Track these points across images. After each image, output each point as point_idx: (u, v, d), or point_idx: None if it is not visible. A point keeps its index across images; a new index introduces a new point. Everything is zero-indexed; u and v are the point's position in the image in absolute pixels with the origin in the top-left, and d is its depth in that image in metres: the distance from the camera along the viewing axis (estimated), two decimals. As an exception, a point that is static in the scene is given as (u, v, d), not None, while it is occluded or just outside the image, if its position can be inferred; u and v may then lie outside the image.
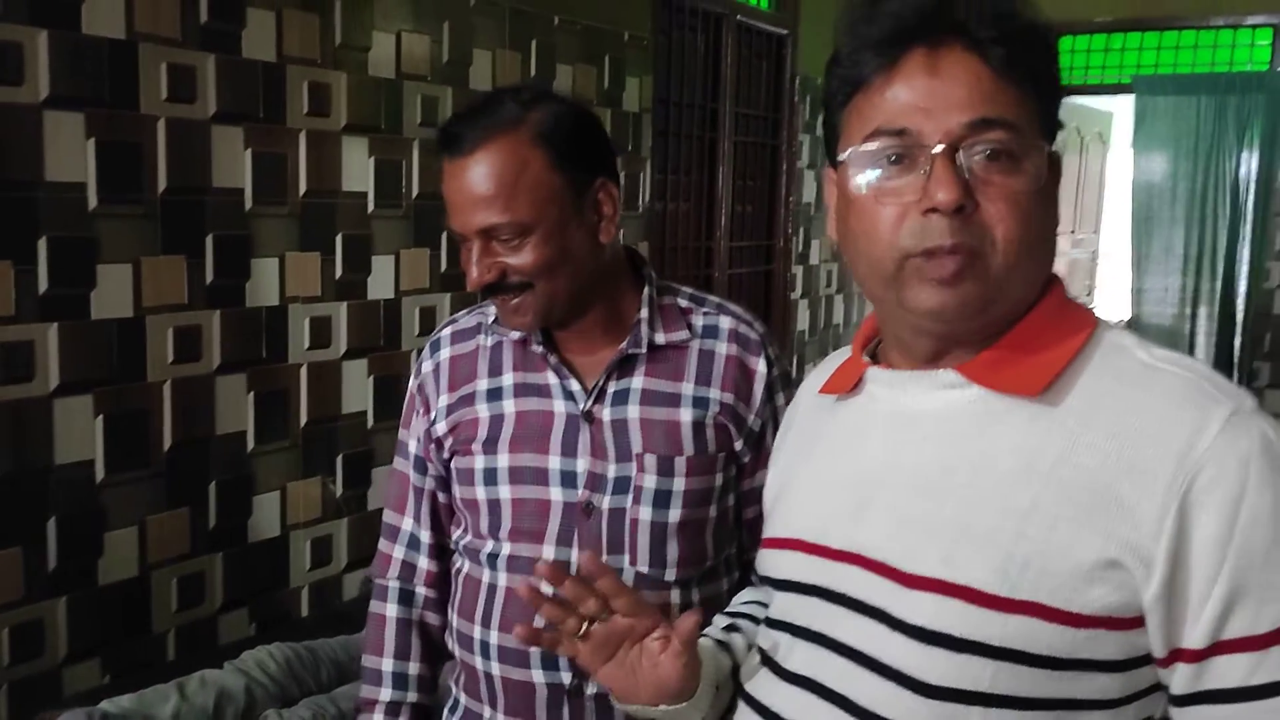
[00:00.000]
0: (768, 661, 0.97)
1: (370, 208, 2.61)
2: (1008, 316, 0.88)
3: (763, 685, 0.97)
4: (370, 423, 2.66)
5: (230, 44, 2.27)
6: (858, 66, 0.87)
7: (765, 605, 1.09)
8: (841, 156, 0.89)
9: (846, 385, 0.98)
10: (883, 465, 0.91)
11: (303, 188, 2.44)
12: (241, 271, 2.33)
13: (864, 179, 0.86)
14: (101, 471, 2.11)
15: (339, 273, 2.54)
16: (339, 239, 2.54)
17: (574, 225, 1.24)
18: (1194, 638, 0.80)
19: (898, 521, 0.88)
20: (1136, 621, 0.81)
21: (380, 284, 2.65)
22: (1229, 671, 0.80)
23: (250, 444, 2.39)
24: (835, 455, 0.97)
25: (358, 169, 2.57)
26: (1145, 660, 0.83)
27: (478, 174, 1.20)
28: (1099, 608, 0.80)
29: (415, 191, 2.72)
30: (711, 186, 4.09)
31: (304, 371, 2.49)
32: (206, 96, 2.23)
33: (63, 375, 2.02)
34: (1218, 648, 0.80)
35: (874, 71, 0.85)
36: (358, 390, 2.62)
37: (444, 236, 2.80)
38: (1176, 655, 0.82)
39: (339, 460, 2.60)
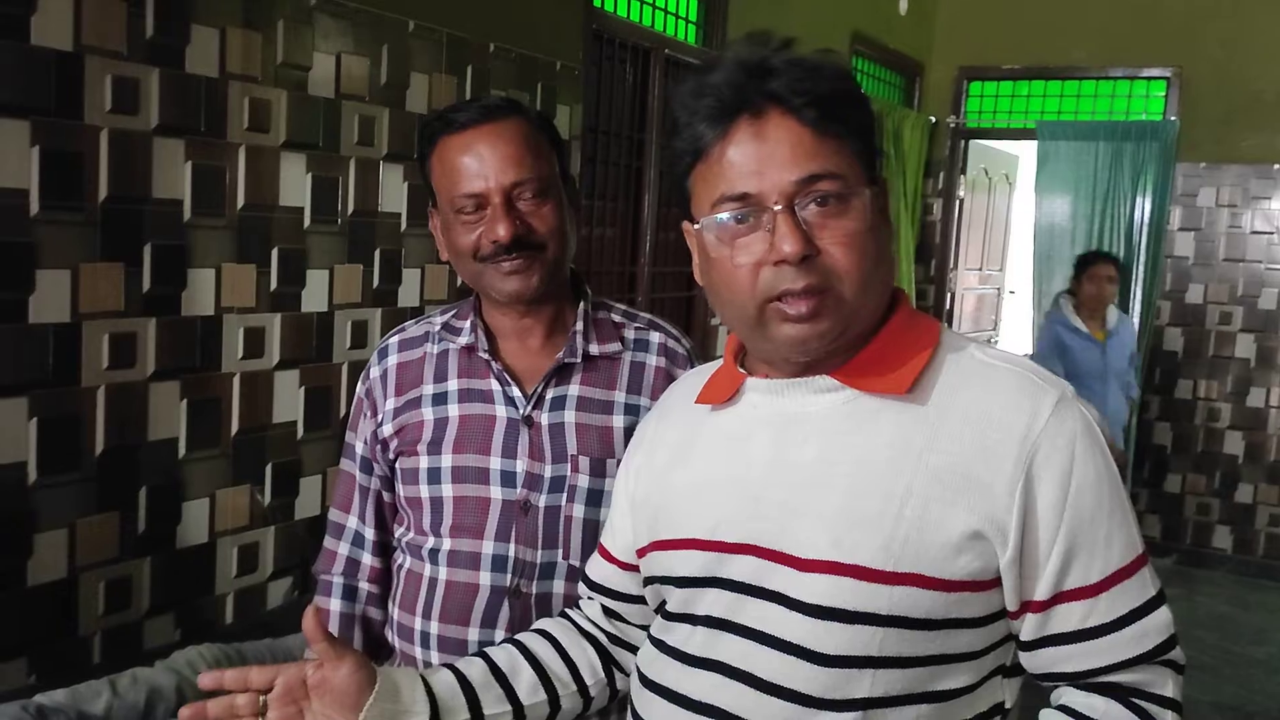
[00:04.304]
0: (671, 650, 1.06)
1: (306, 223, 2.67)
2: (862, 333, 1.01)
3: (669, 672, 1.05)
4: (300, 433, 2.71)
5: (174, 59, 2.32)
6: (695, 138, 0.99)
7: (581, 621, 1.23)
8: (697, 225, 1.01)
9: (724, 395, 1.08)
10: (769, 464, 1.02)
11: (241, 201, 2.50)
12: (178, 281, 2.37)
13: (719, 242, 0.99)
14: (34, 474, 2.13)
15: (274, 285, 2.60)
16: (275, 252, 2.59)
17: (567, 206, 1.37)
18: (1040, 591, 0.95)
19: (789, 513, 0.99)
20: (994, 583, 0.96)
21: (314, 297, 2.71)
22: (1068, 617, 0.96)
23: (181, 451, 2.42)
24: (718, 459, 1.07)
25: (295, 185, 2.63)
26: (999, 615, 0.98)
27: (504, 135, 1.32)
28: (965, 573, 0.94)
29: (351, 208, 2.79)
30: (637, 213, 4.22)
31: (236, 381, 2.53)
32: (149, 109, 2.28)
33: (-2, 378, 2.05)
34: (1058, 598, 0.95)
35: (710, 141, 0.98)
36: (289, 401, 2.67)
37: (377, 253, 2.88)
38: (1025, 607, 0.97)
39: (268, 469, 2.64)
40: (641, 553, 1.14)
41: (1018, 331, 7.35)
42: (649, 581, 1.14)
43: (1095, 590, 0.95)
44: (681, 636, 1.05)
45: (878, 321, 1.03)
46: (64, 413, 2.17)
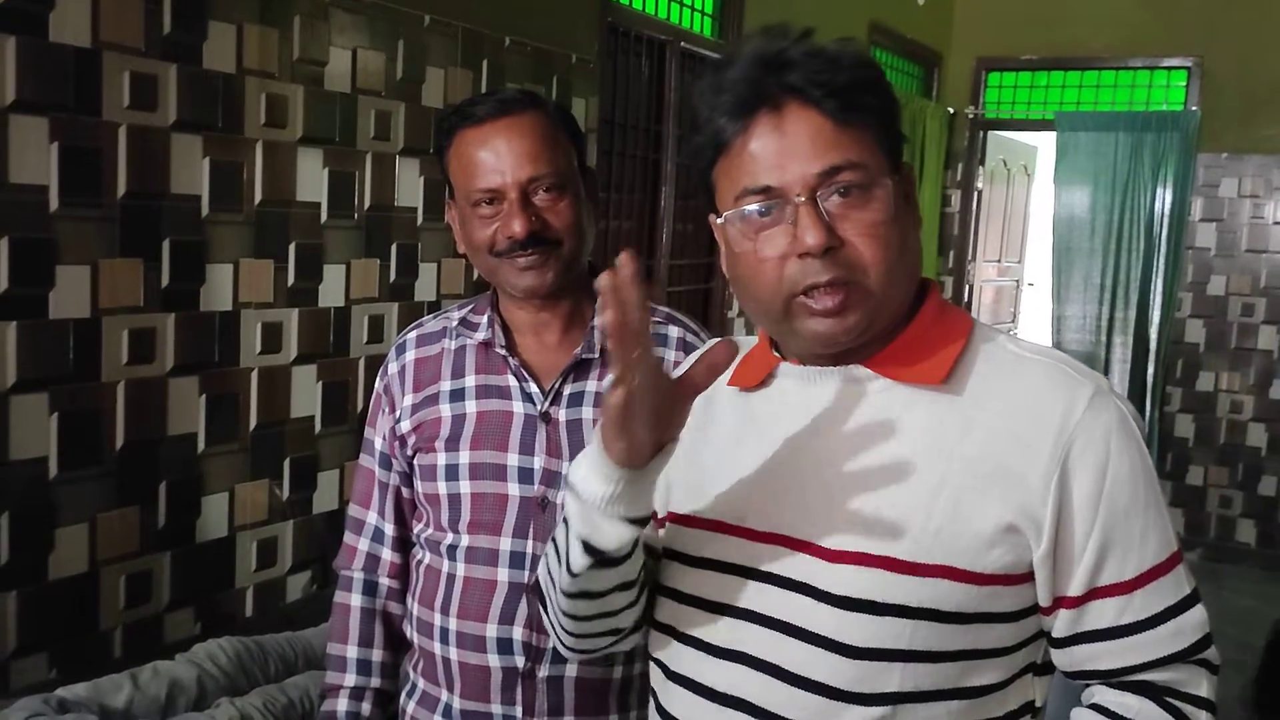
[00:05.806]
0: (694, 641, 1.03)
1: (323, 218, 2.67)
2: (892, 323, 0.99)
3: (694, 664, 1.03)
4: (318, 428, 2.71)
5: (191, 55, 2.32)
6: (717, 133, 0.98)
7: None
8: (720, 219, 1.00)
9: (756, 379, 1.07)
10: (799, 452, 1.00)
11: (258, 197, 2.50)
12: (196, 276, 2.38)
13: (742, 236, 0.98)
14: (54, 468, 2.14)
15: (291, 280, 2.60)
16: (292, 247, 2.60)
17: (584, 200, 1.36)
18: (1074, 586, 0.94)
19: (819, 503, 0.97)
20: (1026, 577, 0.94)
21: (331, 292, 2.71)
22: (1102, 614, 0.94)
23: (200, 445, 2.43)
24: (748, 444, 1.04)
25: (312, 180, 2.64)
26: (1031, 610, 0.96)
27: (521, 130, 1.31)
28: (997, 567, 0.92)
29: (367, 203, 2.79)
30: (654, 206, 4.21)
31: (254, 376, 2.54)
32: (167, 105, 2.28)
33: (20, 373, 2.06)
34: (1093, 594, 0.94)
35: (731, 136, 0.97)
36: (306, 395, 2.67)
37: (393, 248, 2.88)
38: (1059, 603, 0.95)
39: (286, 464, 2.65)
40: (659, 524, 1.11)
41: (1036, 324, 7.30)
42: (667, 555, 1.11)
43: (1130, 586, 0.94)
44: (705, 627, 1.03)
45: (908, 311, 1.01)
46: (84, 408, 2.19)
